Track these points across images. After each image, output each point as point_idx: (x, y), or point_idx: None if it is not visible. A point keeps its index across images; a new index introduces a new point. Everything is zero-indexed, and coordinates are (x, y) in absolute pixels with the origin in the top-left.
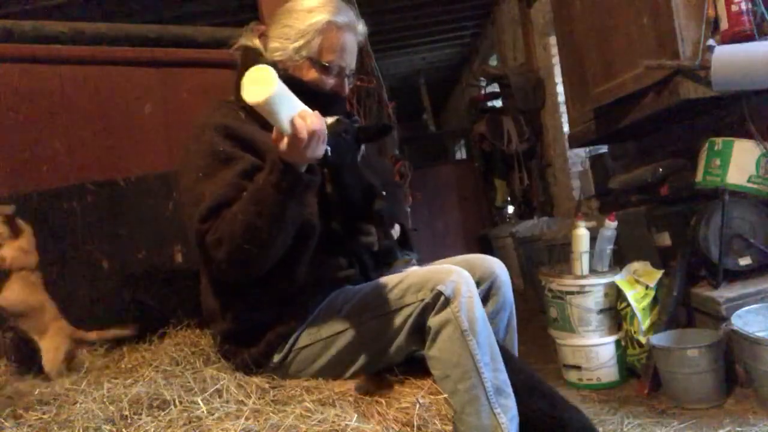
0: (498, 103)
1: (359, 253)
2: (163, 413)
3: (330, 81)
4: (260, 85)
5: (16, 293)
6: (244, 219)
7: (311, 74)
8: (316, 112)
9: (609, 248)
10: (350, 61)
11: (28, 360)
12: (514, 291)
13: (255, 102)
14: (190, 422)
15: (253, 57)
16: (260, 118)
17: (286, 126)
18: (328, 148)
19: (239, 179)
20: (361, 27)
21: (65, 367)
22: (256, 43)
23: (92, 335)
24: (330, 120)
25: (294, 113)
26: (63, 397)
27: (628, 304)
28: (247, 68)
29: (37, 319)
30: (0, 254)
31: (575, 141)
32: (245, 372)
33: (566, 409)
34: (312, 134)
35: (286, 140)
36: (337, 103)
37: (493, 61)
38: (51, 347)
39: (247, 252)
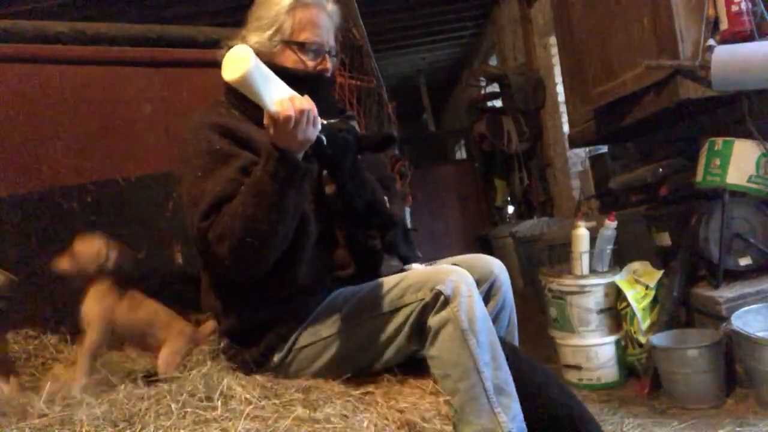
0: (498, 103)
1: (361, 254)
2: (164, 414)
3: (310, 61)
4: (237, 63)
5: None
6: (244, 212)
7: (291, 58)
8: (306, 96)
9: (609, 248)
10: (326, 38)
11: None
12: (514, 291)
13: (232, 78)
14: (191, 422)
15: None
16: (254, 115)
17: (270, 105)
18: (323, 137)
19: (238, 175)
20: (331, 6)
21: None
22: (239, 44)
23: (207, 328)
24: (334, 120)
25: (281, 95)
26: (67, 398)
27: (628, 304)
28: None
29: (149, 334)
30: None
31: (575, 141)
32: (246, 372)
33: (580, 404)
34: (300, 113)
35: (274, 122)
36: (324, 84)
37: (493, 61)
38: (169, 352)
39: (250, 246)
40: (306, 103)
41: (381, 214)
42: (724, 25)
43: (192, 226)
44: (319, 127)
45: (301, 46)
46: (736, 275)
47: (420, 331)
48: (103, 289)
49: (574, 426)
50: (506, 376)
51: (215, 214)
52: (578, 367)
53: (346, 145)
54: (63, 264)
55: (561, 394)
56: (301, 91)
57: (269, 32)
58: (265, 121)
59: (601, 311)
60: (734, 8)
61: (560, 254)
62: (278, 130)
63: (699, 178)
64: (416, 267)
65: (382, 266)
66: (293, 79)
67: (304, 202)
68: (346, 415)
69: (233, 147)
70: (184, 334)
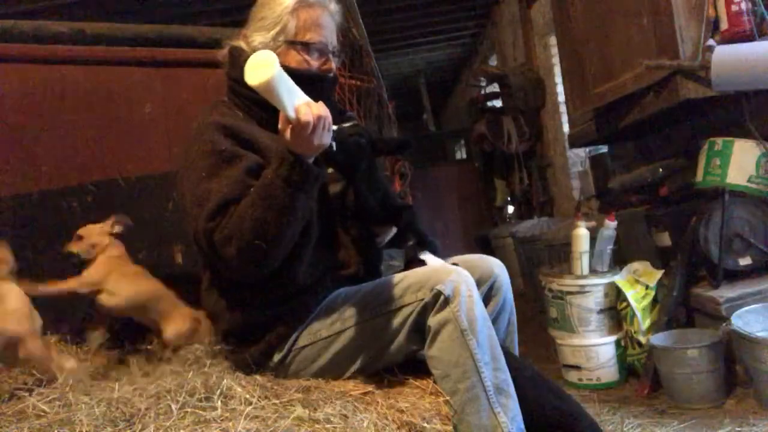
0: (498, 103)
1: (367, 252)
2: (164, 414)
3: (314, 61)
4: (262, 68)
5: (124, 288)
6: (253, 214)
7: (295, 58)
8: (321, 102)
9: (609, 248)
10: (330, 38)
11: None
12: (514, 291)
13: (256, 83)
14: (191, 422)
15: (238, 55)
16: (257, 115)
17: (290, 110)
18: (334, 143)
19: (244, 177)
20: (333, 5)
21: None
22: (241, 44)
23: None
24: (347, 124)
25: (299, 101)
26: (66, 397)
27: (628, 304)
28: (234, 66)
29: (154, 308)
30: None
31: (575, 141)
32: (246, 371)
33: (573, 403)
34: (317, 119)
35: (291, 126)
36: (327, 84)
37: (493, 61)
38: (177, 334)
39: (258, 248)
40: (322, 109)
41: (394, 206)
42: (724, 25)
43: (197, 226)
44: (332, 133)
45: (306, 47)
46: (736, 275)
47: (420, 331)
48: (114, 254)
49: (566, 427)
50: (506, 376)
51: (222, 215)
52: (578, 367)
53: (359, 149)
54: (72, 246)
55: (551, 395)
56: (306, 91)
57: (273, 32)
58: (281, 125)
59: (601, 311)
60: (734, 8)
61: (560, 254)
62: (295, 135)
63: (699, 178)
64: (429, 258)
65: (383, 266)
66: (298, 79)
67: (313, 206)
68: (346, 415)
69: (237, 148)
70: (190, 317)
